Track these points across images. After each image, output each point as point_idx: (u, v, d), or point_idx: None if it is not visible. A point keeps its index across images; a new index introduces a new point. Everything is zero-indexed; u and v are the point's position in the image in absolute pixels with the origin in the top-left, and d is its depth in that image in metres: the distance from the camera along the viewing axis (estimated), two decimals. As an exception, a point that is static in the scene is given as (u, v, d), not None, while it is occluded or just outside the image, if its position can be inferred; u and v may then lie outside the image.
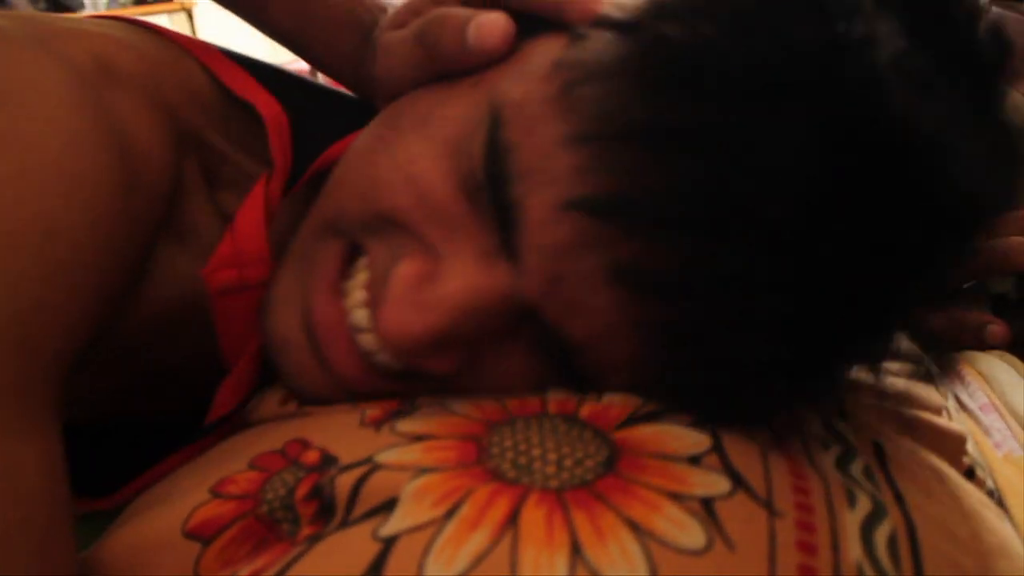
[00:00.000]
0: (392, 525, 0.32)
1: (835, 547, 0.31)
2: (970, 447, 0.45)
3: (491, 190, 0.37)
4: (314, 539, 0.33)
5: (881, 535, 0.32)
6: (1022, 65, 0.31)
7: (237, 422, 0.48)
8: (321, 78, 0.64)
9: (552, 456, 0.34)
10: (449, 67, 0.43)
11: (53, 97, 0.38)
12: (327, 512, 0.35)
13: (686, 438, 0.35)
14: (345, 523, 0.33)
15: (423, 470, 0.34)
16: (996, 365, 0.68)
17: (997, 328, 0.40)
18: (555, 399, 0.39)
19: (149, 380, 0.51)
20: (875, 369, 0.37)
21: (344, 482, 0.35)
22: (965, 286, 0.45)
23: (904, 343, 0.36)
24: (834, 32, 0.30)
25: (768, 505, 0.32)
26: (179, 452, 0.48)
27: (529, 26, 0.42)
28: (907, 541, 0.33)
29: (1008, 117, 0.34)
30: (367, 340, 0.41)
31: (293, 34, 0.54)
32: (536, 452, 0.34)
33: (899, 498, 0.34)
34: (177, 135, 0.46)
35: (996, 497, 0.47)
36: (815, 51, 0.30)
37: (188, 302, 0.46)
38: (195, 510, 0.37)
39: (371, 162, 0.42)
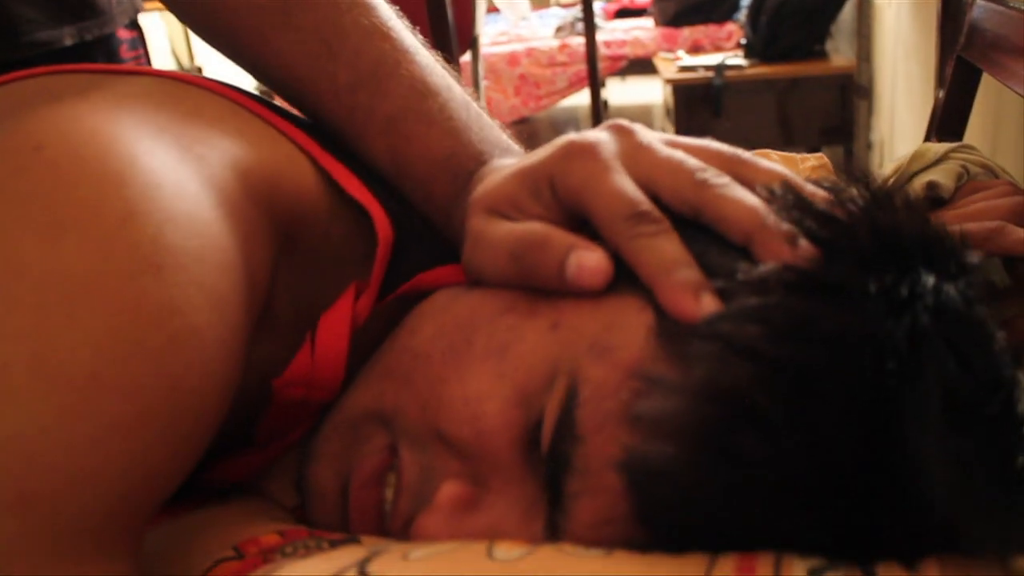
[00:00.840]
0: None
1: None
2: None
3: (549, 470, 0.39)
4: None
5: None
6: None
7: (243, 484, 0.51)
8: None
9: None
10: (538, 287, 0.43)
11: (203, 227, 0.38)
12: None
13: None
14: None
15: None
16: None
17: None
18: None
19: None
20: None
21: None
22: None
23: None
24: (898, 455, 0.33)
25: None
26: (182, 505, 0.49)
27: (620, 264, 0.41)
28: None
29: None
30: (389, 526, 0.45)
31: (390, 170, 0.53)
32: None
33: None
34: (281, 242, 0.46)
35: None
36: (879, 497, 0.33)
37: (251, 383, 0.46)
38: (218, 563, 0.41)
39: (441, 378, 0.43)
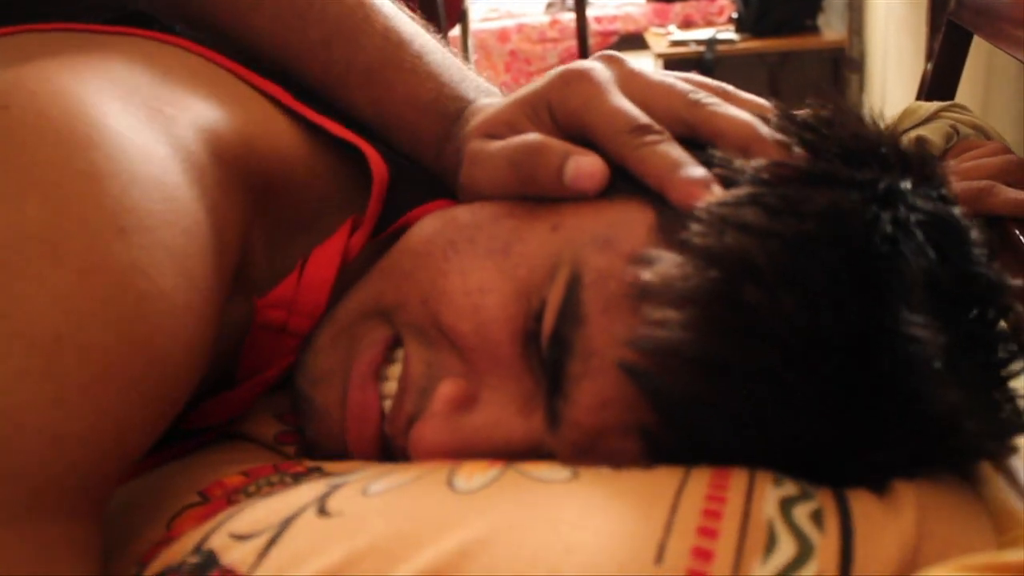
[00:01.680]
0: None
1: None
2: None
3: (551, 354, 0.40)
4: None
5: None
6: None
7: (220, 429, 0.50)
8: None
9: None
10: (538, 194, 0.44)
11: (170, 191, 0.38)
12: None
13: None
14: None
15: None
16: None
17: None
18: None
19: None
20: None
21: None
22: None
23: None
24: (887, 328, 0.34)
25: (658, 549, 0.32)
26: (160, 454, 0.49)
27: (618, 174, 0.43)
28: None
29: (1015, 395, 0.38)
30: (389, 427, 0.45)
31: (374, 121, 0.54)
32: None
33: (846, 549, 0.32)
34: (254, 203, 0.46)
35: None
36: (869, 340, 0.34)
37: (225, 333, 0.46)
38: (184, 510, 0.41)
39: (443, 272, 0.44)
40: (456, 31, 2.55)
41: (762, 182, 0.38)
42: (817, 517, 0.33)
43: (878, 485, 0.36)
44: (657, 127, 0.43)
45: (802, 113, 0.42)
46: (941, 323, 0.35)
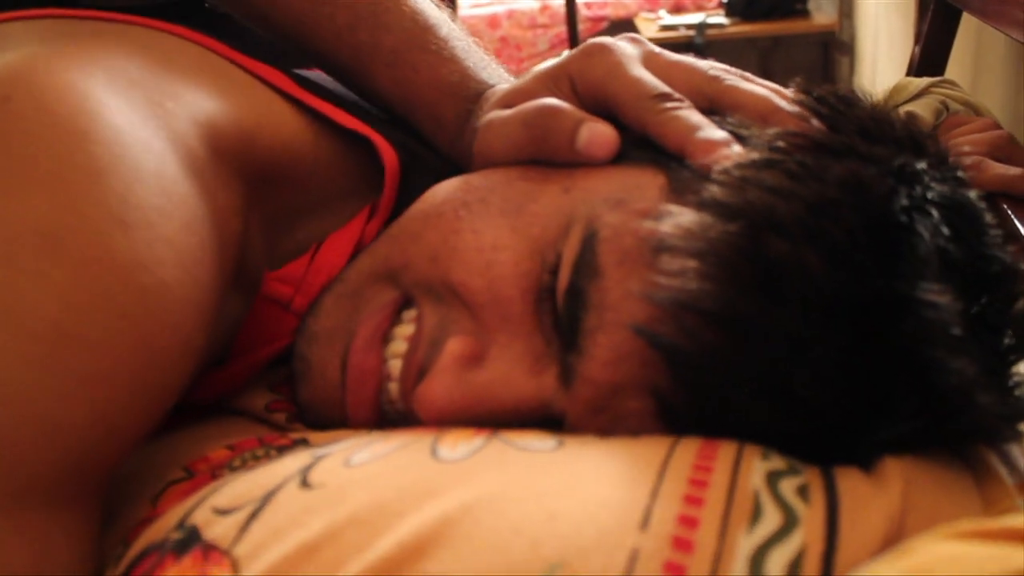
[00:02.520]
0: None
1: (713, 570, 0.29)
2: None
3: (567, 308, 0.40)
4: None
5: (779, 556, 0.30)
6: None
7: (210, 404, 0.50)
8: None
9: None
10: (549, 158, 0.45)
11: (170, 185, 0.38)
12: None
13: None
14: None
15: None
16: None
17: None
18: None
19: None
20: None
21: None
22: None
23: None
24: (905, 293, 0.34)
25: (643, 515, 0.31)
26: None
27: (630, 144, 0.44)
28: (818, 564, 0.30)
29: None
30: (393, 388, 0.44)
31: (397, 102, 0.55)
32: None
33: (831, 522, 0.31)
34: (254, 196, 0.46)
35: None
36: (886, 303, 0.34)
37: (222, 321, 0.46)
38: (169, 485, 0.41)
39: (454, 229, 0.43)
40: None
41: (781, 149, 0.38)
42: (803, 491, 0.33)
43: (867, 462, 0.35)
44: (678, 95, 0.44)
45: (820, 91, 0.42)
46: (957, 295, 0.34)
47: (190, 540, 0.34)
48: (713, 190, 0.37)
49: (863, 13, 2.99)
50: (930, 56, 1.22)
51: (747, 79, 0.46)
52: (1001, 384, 0.37)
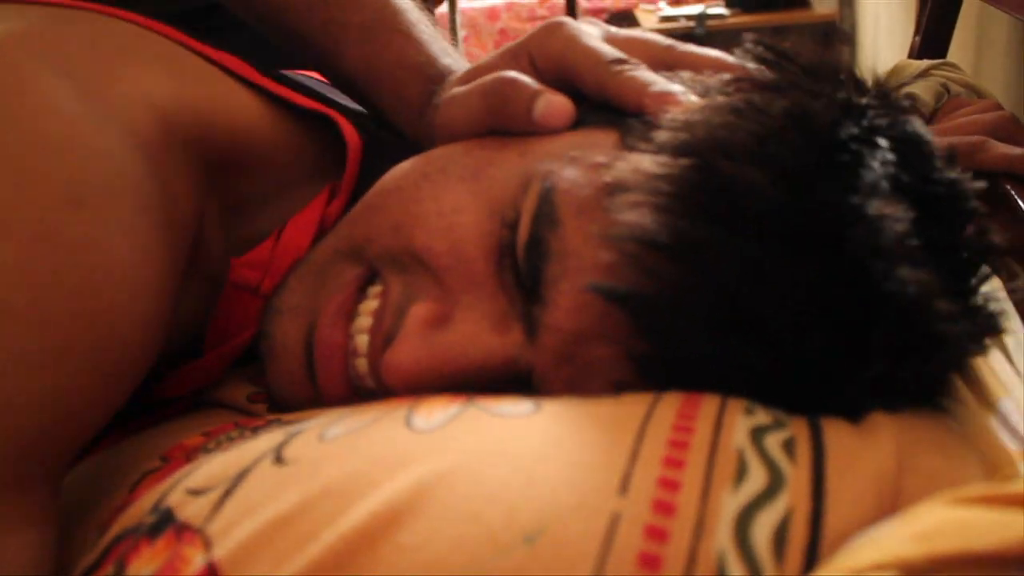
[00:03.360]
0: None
1: (697, 534, 0.28)
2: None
3: (528, 260, 0.40)
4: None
5: (766, 519, 0.29)
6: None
7: (189, 399, 0.50)
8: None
9: None
10: (507, 127, 0.45)
11: (121, 166, 0.38)
12: None
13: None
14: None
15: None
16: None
17: None
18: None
19: None
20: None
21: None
22: None
23: None
24: (856, 207, 0.33)
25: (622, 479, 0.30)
26: (129, 425, 0.49)
27: (584, 111, 0.45)
28: (806, 526, 0.29)
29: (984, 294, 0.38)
30: (360, 364, 0.43)
31: (362, 79, 0.56)
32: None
33: (818, 479, 0.30)
34: (211, 182, 0.46)
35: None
36: (839, 218, 0.33)
37: (186, 307, 0.46)
38: (145, 475, 0.40)
39: (415, 199, 0.44)
40: (444, 8, 2.53)
41: (727, 92, 0.40)
42: (789, 446, 0.32)
43: (855, 414, 0.34)
44: (633, 60, 0.45)
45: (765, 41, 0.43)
46: (901, 207, 0.34)
47: (164, 522, 0.33)
48: (664, 133, 0.38)
49: (863, 1, 2.98)
50: (931, 42, 1.20)
51: (700, 49, 0.48)
52: (965, 296, 0.37)
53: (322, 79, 0.61)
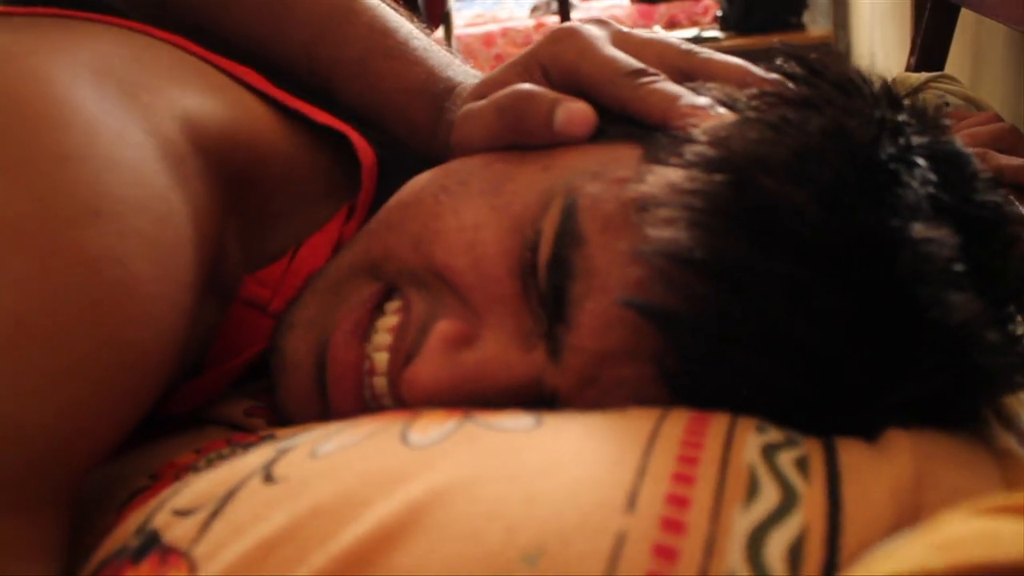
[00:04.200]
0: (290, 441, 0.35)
1: (708, 553, 0.27)
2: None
3: (551, 278, 0.38)
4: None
5: (779, 538, 0.27)
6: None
7: (187, 416, 0.49)
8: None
9: None
10: (526, 141, 0.44)
11: (146, 177, 0.37)
12: None
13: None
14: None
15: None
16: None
17: None
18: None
19: None
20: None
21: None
22: None
23: None
24: (898, 229, 0.32)
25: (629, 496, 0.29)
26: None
27: (606, 122, 0.43)
28: (822, 544, 0.28)
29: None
30: (379, 383, 0.42)
31: (365, 112, 0.54)
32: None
33: (833, 496, 0.29)
34: (232, 198, 0.45)
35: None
36: (881, 241, 0.32)
37: (198, 327, 0.45)
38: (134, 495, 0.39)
39: (434, 213, 0.42)
40: (439, 33, 2.54)
41: (760, 108, 0.38)
42: (802, 464, 0.30)
43: (870, 433, 0.33)
44: (652, 70, 0.43)
45: (795, 51, 0.42)
46: (942, 228, 0.32)
47: (148, 544, 0.32)
48: (696, 148, 0.36)
49: (858, 24, 3.01)
50: (926, 62, 1.20)
51: (719, 55, 0.46)
52: (1005, 330, 0.35)
53: None
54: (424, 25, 0.58)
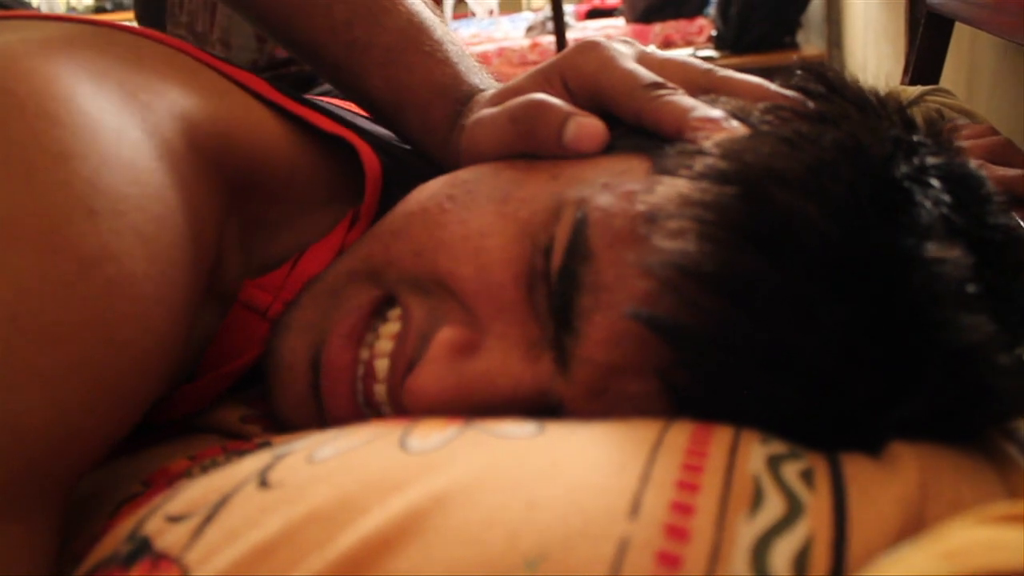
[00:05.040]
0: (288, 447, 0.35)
1: (712, 560, 0.26)
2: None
3: (560, 290, 0.38)
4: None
5: (785, 546, 0.27)
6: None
7: (177, 422, 0.48)
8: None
9: None
10: (536, 151, 0.44)
11: (144, 176, 0.37)
12: None
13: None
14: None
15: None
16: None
17: None
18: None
19: None
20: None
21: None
22: None
23: None
24: (911, 248, 0.32)
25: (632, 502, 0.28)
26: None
27: (616, 135, 0.44)
28: (828, 553, 0.27)
29: None
30: (379, 390, 0.42)
31: (387, 101, 0.54)
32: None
33: (839, 507, 0.29)
34: (231, 200, 0.45)
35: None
36: (894, 259, 0.32)
37: (195, 330, 0.45)
38: (126, 501, 0.39)
39: (440, 223, 0.42)
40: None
41: (774, 122, 0.38)
42: (807, 476, 0.30)
43: (873, 448, 0.32)
44: (671, 84, 0.44)
45: (812, 67, 0.43)
46: (955, 248, 0.32)
47: (140, 550, 0.31)
48: (707, 160, 0.36)
49: (851, 42, 3.02)
50: (922, 76, 1.21)
51: (738, 74, 0.46)
52: (1016, 353, 0.34)
53: (349, 107, 0.60)
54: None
